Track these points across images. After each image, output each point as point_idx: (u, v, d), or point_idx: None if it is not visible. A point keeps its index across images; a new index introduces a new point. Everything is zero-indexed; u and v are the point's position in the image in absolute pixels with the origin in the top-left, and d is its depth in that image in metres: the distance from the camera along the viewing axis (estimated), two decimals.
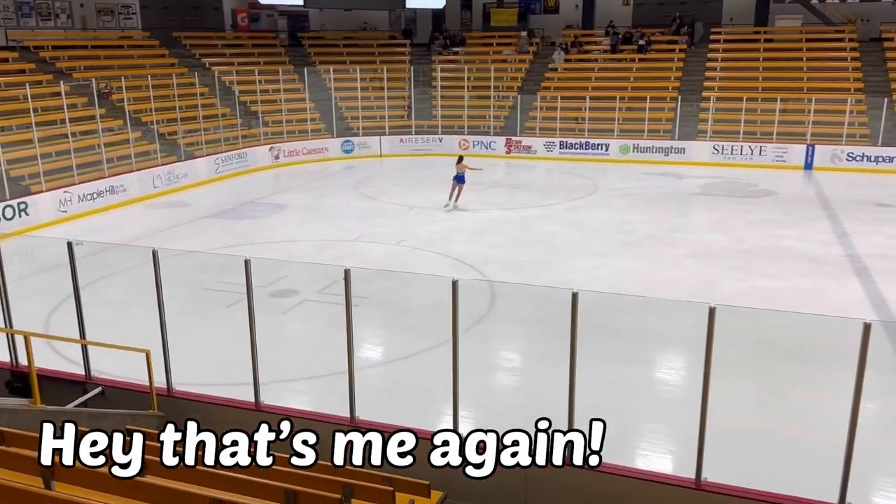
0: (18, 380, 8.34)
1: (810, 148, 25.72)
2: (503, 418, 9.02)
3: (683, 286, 13.53)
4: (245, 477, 4.61)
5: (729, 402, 8.45)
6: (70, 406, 7.61)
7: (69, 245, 7.91)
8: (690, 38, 30.99)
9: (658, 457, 8.25)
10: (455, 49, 33.07)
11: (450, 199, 19.87)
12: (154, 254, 7.60)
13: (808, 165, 25.67)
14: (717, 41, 30.54)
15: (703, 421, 6.20)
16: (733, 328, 10.15)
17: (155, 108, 23.65)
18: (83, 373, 8.35)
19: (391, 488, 5.14)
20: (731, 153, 26.53)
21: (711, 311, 5.95)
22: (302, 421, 7.52)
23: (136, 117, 23.80)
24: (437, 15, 35.98)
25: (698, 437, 6.24)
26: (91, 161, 21.03)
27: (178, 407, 7.86)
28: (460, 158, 20.39)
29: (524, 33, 33.24)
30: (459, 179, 19.86)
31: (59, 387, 8.12)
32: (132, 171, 21.72)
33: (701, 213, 20.47)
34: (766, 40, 30.21)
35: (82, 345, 8.29)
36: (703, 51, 30.39)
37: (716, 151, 26.70)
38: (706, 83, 29.06)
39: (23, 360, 8.28)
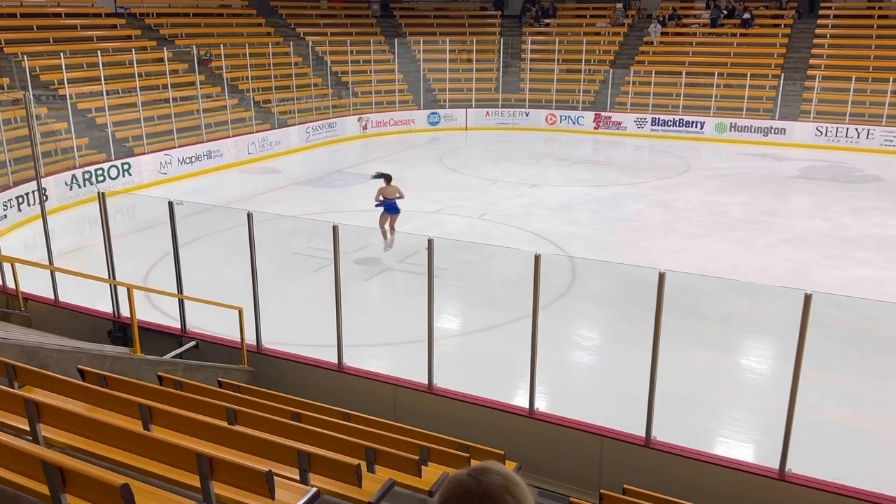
0: (119, 330, 8.89)
1: None
2: (580, 396, 8.99)
3: (777, 272, 12.99)
4: (328, 433, 4.77)
5: (820, 394, 8.12)
6: (167, 357, 8.05)
7: (170, 204, 8.29)
8: (810, 5, 29.19)
9: (741, 445, 8.02)
10: (546, 21, 32.46)
11: (385, 236, 13.66)
12: (249, 217, 7.88)
13: None
14: (827, 16, 28.80)
15: (790, 411, 5.99)
16: (829, 318, 9.75)
17: (251, 76, 24.35)
18: (179, 326, 8.80)
19: (466, 454, 5.22)
20: (836, 135, 25.10)
21: (807, 298, 5.70)
22: (381, 385, 7.72)
23: (234, 85, 24.57)
24: None
25: (785, 427, 6.04)
26: (190, 126, 21.90)
27: (267, 364, 8.20)
28: (388, 178, 13.60)
29: (619, 5, 32.24)
30: (392, 209, 13.43)
31: (157, 338, 8.60)
32: (228, 137, 22.50)
33: (800, 198, 19.53)
34: (881, 16, 28.24)
35: (179, 300, 8.72)
36: (811, 26, 28.73)
37: (819, 133, 25.32)
38: (812, 61, 27.50)
39: (124, 312, 8.80)
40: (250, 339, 8.27)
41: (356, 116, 27.65)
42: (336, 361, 7.91)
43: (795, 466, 6.11)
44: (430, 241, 7.22)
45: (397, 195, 13.49)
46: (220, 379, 7.01)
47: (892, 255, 14.12)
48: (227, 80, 23.91)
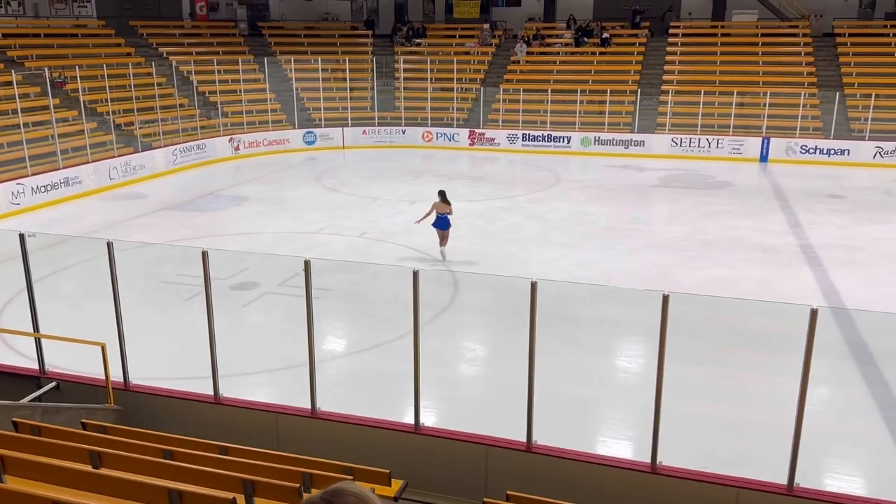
0: None
1: (765, 140, 26.27)
2: (465, 408, 9.10)
3: (643, 276, 13.73)
4: (202, 468, 4.57)
5: (685, 389, 8.63)
6: (24, 401, 7.45)
7: (21, 237, 7.72)
8: (667, 22, 31.26)
9: (616, 442, 8.39)
10: (417, 41, 32.94)
11: (444, 256, 14.63)
12: (109, 246, 7.46)
13: (764, 158, 26.21)
14: (676, 35, 30.96)
15: (657, 407, 6.33)
16: (690, 316, 10.39)
17: (111, 98, 23.13)
18: (37, 367, 8.17)
19: (351, 477, 5.15)
20: (690, 146, 26.96)
21: (665, 299, 6.07)
22: (262, 414, 7.49)
23: (92, 108, 23.24)
24: (399, 6, 35.79)
25: (653, 423, 6.37)
26: (45, 152, 20.49)
27: (136, 401, 7.76)
28: (443, 195, 14.52)
29: (486, 25, 33.25)
30: (445, 224, 14.55)
31: (12, 382, 7.95)
32: (87, 163, 21.22)
33: (660, 205, 20.78)
34: (724, 35, 30.71)
35: (35, 338, 8.11)
36: (662, 45, 30.79)
37: (674, 144, 27.11)
38: (665, 77, 29.45)
39: None
40: (117, 376, 7.80)
41: (227, 137, 26.86)
42: (212, 393, 7.61)
43: (666, 459, 6.45)
44: (306, 263, 7.11)
45: (448, 211, 14.41)
46: (83, 420, 6.56)
47: (744, 254, 15.28)
48: (85, 102, 22.60)
